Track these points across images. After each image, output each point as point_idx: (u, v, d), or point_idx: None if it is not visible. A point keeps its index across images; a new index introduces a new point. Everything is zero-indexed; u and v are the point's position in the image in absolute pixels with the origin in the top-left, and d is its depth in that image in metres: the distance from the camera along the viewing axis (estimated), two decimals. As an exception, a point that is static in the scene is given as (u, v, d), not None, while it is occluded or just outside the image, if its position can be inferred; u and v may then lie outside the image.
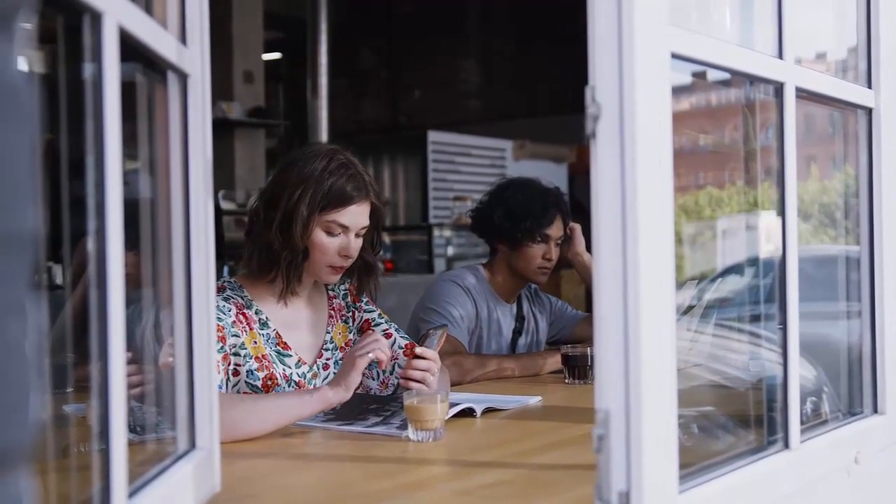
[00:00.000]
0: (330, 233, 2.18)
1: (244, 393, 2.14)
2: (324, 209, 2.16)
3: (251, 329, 2.18)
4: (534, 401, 2.34)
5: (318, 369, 2.28)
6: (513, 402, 2.29)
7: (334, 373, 2.27)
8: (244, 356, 2.14)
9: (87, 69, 0.99)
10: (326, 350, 2.32)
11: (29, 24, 0.62)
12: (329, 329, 2.34)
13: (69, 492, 1.16)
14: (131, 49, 1.09)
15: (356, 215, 2.20)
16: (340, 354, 2.33)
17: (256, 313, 2.21)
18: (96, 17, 0.98)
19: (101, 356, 0.99)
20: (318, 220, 2.16)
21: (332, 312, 2.36)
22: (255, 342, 2.17)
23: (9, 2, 0.57)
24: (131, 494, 1.07)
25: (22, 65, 0.60)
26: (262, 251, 2.19)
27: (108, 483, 1.00)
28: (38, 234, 0.60)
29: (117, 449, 1.00)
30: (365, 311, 2.41)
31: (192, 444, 1.37)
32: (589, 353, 2.65)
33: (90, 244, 0.99)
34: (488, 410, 2.18)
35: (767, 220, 1.87)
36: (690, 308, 2.20)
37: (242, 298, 2.21)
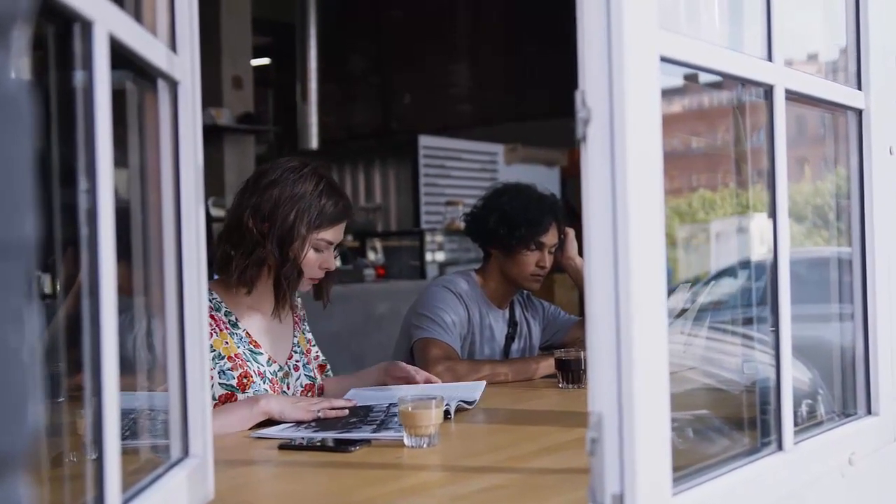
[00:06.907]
0: (317, 249, 2.30)
1: (219, 396, 2.20)
2: (318, 228, 2.27)
3: (221, 330, 2.25)
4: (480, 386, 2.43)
5: (290, 369, 2.38)
6: (463, 389, 2.37)
7: (305, 374, 2.41)
8: (213, 357, 2.20)
9: (78, 77, 0.99)
10: (295, 353, 2.43)
11: (26, 33, 0.62)
12: (295, 334, 2.46)
13: (62, 501, 1.16)
14: (121, 56, 1.09)
15: (341, 232, 2.35)
16: (306, 359, 2.45)
17: (226, 315, 2.29)
18: (87, 26, 0.98)
19: (93, 365, 0.99)
20: (310, 239, 2.27)
21: (297, 319, 2.48)
22: (227, 342, 2.25)
23: (5, 11, 0.58)
24: (124, 503, 1.06)
25: (19, 73, 0.61)
26: (254, 265, 2.26)
27: (101, 492, 1.00)
28: (35, 243, 0.60)
29: (111, 458, 1.00)
30: (308, 332, 2.54)
31: (186, 452, 1.36)
32: (582, 357, 2.64)
33: (82, 252, 0.99)
34: (460, 410, 2.21)
35: (760, 223, 1.87)
36: (684, 311, 2.20)
37: (211, 301, 2.27)
